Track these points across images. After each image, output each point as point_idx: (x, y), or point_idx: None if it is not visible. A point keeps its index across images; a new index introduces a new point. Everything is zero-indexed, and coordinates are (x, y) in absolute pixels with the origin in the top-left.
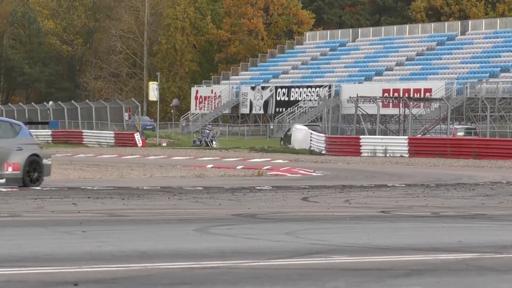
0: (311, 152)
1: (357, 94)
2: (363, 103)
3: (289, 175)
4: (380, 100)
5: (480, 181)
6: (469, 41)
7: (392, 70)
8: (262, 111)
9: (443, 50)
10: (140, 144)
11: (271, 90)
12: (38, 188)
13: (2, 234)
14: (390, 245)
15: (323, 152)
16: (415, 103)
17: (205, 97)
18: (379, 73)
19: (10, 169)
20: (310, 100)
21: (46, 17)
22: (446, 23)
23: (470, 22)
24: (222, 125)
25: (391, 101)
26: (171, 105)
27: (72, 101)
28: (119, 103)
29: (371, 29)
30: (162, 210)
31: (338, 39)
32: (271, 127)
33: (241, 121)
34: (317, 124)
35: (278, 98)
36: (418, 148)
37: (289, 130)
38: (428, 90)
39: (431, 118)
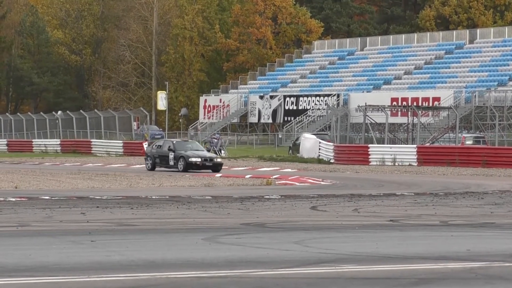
0: (319, 161)
1: (365, 103)
2: (371, 112)
3: (298, 184)
4: (388, 109)
5: (489, 190)
6: (478, 49)
7: (400, 78)
8: (270, 120)
9: (451, 58)
10: None
11: (279, 99)
12: (47, 197)
13: (11, 244)
14: (398, 254)
15: (332, 161)
16: (423, 111)
17: (213, 106)
18: (387, 82)
19: None
20: (319, 109)
21: (54, 27)
22: (454, 32)
23: (478, 30)
24: (230, 134)
25: (399, 109)
26: (179, 114)
27: (81, 110)
28: (127, 112)
29: (379, 38)
30: (170, 219)
31: (346, 48)
32: (280, 136)
33: (250, 130)
34: (325, 133)
35: (286, 107)
36: (426, 156)
37: (297, 139)
38: (437, 99)
39: (439, 126)
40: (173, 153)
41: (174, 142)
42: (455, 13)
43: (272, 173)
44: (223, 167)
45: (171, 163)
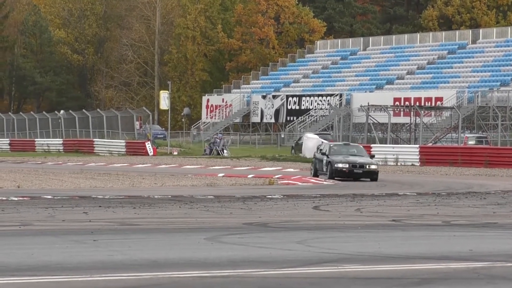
0: None
1: (368, 103)
2: (374, 112)
3: (300, 183)
4: (391, 109)
5: (491, 190)
6: (480, 49)
7: (403, 78)
8: (273, 120)
9: (454, 58)
10: (151, 153)
11: (282, 99)
12: (49, 197)
13: (14, 243)
14: (401, 253)
15: None
16: (426, 111)
17: (216, 106)
18: (390, 82)
19: None
20: (321, 108)
21: (57, 26)
22: (457, 32)
23: (481, 30)
24: (233, 134)
25: (402, 109)
26: (182, 114)
27: (83, 110)
28: (130, 112)
29: (382, 37)
30: (173, 219)
31: (349, 47)
32: (282, 136)
33: (252, 130)
34: (328, 132)
35: (289, 107)
36: (429, 156)
37: (300, 138)
38: (439, 99)
39: (442, 126)
40: (326, 158)
41: (331, 145)
42: (458, 13)
43: (274, 173)
44: (224, 167)
45: (324, 169)
